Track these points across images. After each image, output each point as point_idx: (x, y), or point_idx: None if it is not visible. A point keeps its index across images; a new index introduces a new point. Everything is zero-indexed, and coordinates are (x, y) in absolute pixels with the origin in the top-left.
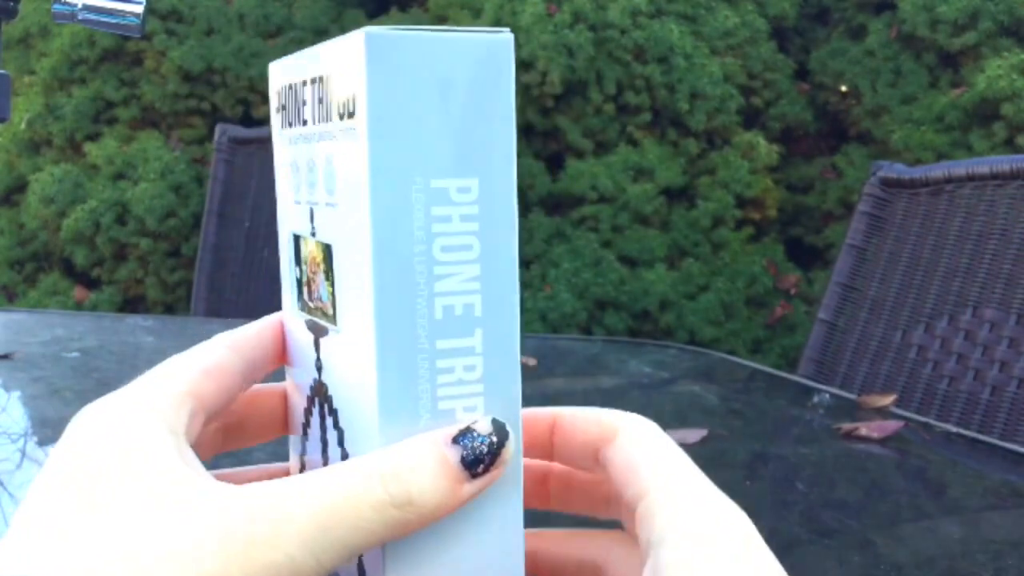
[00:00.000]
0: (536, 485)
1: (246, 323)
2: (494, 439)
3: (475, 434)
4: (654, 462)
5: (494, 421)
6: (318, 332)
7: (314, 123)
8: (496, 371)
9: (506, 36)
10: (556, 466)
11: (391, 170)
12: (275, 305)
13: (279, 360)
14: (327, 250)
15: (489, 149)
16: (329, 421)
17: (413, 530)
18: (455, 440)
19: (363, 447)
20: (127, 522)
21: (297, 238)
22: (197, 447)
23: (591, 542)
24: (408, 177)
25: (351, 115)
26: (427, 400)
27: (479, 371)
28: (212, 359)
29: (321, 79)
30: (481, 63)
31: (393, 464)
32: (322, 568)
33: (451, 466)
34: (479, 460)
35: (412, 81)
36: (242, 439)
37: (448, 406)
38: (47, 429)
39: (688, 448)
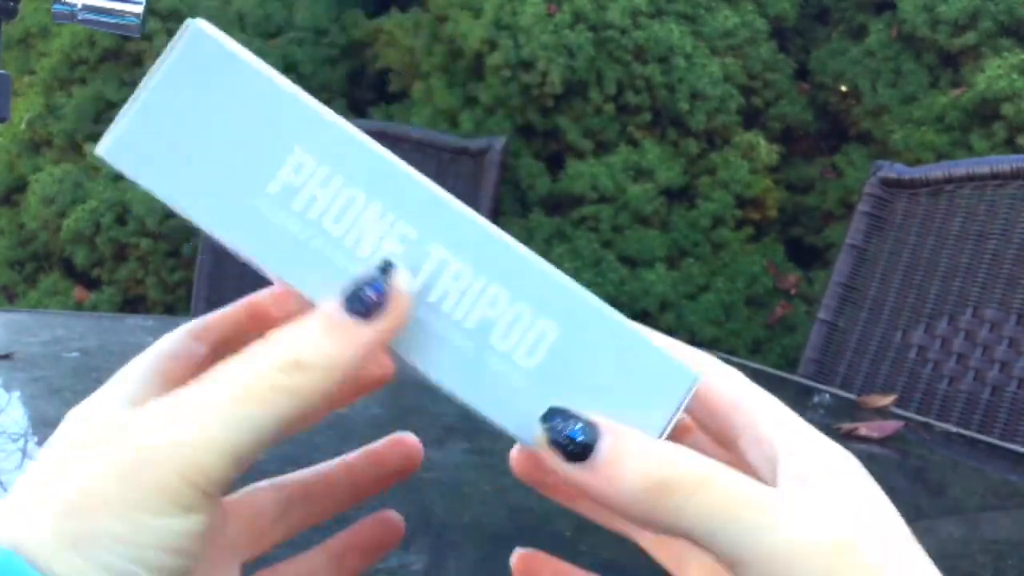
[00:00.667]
0: None
1: None
2: (376, 275)
3: (360, 279)
4: (757, 395)
5: (382, 261)
6: None
7: None
8: (366, 170)
9: (193, 27)
10: None
11: (223, 219)
12: None
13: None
14: None
15: (279, 114)
16: None
17: (324, 392)
18: (340, 296)
19: None
20: (60, 468)
21: None
22: None
23: None
24: (245, 207)
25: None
26: (342, 259)
27: (338, 180)
28: (170, 345)
29: None
30: (194, 67)
31: (273, 337)
32: (228, 454)
33: (335, 319)
34: (365, 301)
35: (160, 148)
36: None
37: (367, 250)
38: (47, 429)
39: None
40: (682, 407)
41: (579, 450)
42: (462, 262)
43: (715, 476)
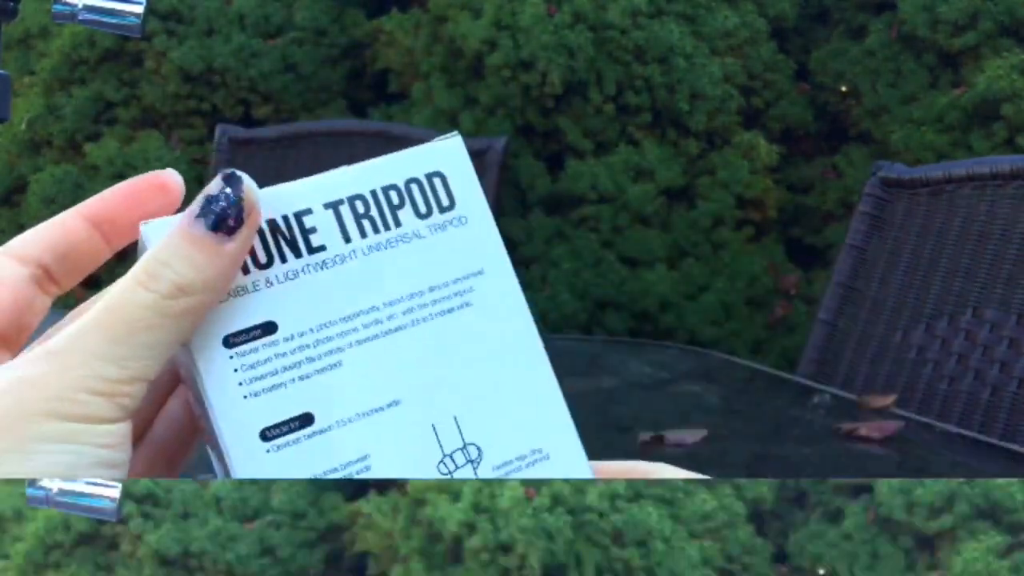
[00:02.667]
0: None
1: None
2: (228, 190)
3: (210, 196)
4: None
5: (223, 175)
6: None
7: None
8: None
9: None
10: None
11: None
12: None
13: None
14: None
15: None
16: None
17: (209, 307)
18: (198, 216)
19: None
20: None
21: None
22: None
23: None
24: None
25: None
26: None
27: None
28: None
29: None
30: None
31: (146, 266)
32: (140, 378)
33: (201, 238)
34: (225, 216)
35: None
36: None
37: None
38: None
39: (688, 448)
40: None
41: None
42: None
43: None
